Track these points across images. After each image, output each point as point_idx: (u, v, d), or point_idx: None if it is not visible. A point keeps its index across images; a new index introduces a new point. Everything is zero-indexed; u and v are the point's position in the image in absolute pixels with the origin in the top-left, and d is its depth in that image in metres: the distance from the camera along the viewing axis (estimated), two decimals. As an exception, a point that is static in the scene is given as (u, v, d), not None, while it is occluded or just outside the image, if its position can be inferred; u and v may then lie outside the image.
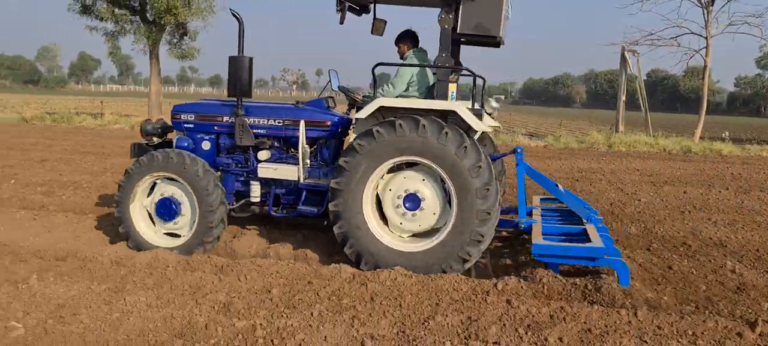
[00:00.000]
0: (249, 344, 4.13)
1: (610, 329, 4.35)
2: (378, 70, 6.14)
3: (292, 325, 4.36)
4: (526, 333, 4.31)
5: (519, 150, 6.40)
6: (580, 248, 5.58)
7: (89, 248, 6.50)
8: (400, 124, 5.59)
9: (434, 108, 5.84)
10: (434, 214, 5.84)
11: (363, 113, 5.93)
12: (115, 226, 6.67)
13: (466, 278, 5.42)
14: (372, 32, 6.70)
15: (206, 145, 6.86)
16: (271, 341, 4.17)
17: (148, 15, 25.03)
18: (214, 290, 5.05)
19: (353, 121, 6.48)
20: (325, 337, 4.21)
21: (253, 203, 6.76)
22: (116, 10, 25.06)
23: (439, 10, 5.94)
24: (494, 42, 6.32)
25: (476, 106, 6.13)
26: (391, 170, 5.93)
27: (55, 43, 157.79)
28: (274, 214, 6.63)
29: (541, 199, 7.82)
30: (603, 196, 10.65)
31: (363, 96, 6.85)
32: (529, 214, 6.78)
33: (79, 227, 7.60)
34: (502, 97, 7.16)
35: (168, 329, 4.33)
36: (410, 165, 5.92)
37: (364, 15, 6.74)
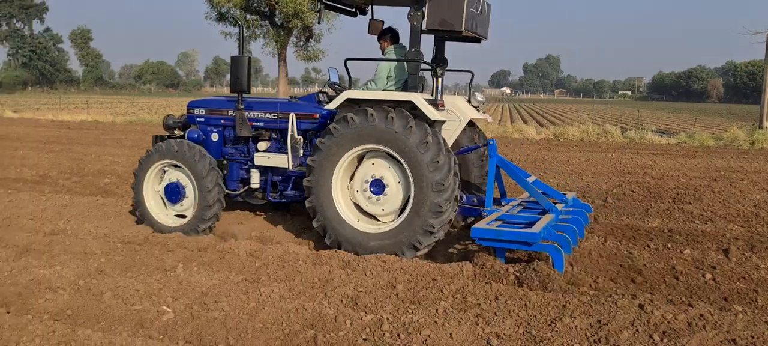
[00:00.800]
0: (376, 338, 4.24)
1: (758, 341, 4.05)
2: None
3: (417, 320, 4.42)
4: (662, 341, 4.11)
5: (492, 142, 6.72)
6: (513, 233, 5.72)
7: (226, 240, 6.92)
8: (372, 114, 6.02)
9: (393, 99, 6.21)
10: (396, 201, 6.24)
11: (332, 105, 6.43)
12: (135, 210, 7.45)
13: (594, 281, 5.25)
14: (369, 32, 7.01)
15: (215, 137, 7.47)
16: (398, 335, 4.26)
17: (276, 19, 26.24)
18: (342, 284, 5.23)
19: None
20: (451, 334, 4.24)
21: (254, 190, 7.32)
22: (248, 16, 26.47)
23: (409, 8, 6.25)
24: (474, 38, 6.72)
25: (466, 96, 7.15)
26: (363, 156, 6.36)
27: (193, 49, 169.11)
28: (271, 199, 7.20)
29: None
30: (745, 197, 9.88)
31: (338, 87, 7.17)
32: (499, 203, 7.06)
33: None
34: (481, 97, 7.47)
35: (300, 319, 4.54)
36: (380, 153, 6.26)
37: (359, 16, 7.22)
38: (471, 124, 7.27)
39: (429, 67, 6.73)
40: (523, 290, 5.01)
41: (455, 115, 6.86)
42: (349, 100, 6.30)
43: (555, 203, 6.73)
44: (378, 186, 6.25)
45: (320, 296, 4.96)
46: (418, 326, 4.34)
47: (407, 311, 4.66)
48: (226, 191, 7.26)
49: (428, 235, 5.98)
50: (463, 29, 6.09)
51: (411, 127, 5.90)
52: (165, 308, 4.68)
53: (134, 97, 70.09)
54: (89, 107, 38.68)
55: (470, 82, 7.46)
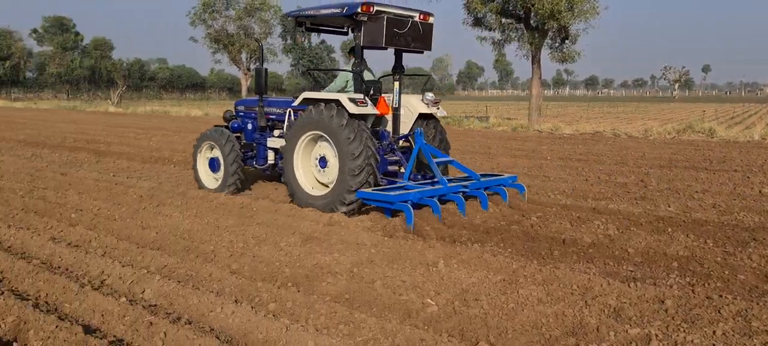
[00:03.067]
0: (643, 354, 4.01)
1: None
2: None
3: (691, 341, 4.08)
4: None
5: (418, 131, 8.66)
6: (378, 195, 7.62)
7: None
8: (311, 109, 8.39)
9: (328, 98, 8.33)
10: (335, 173, 8.20)
11: (295, 102, 8.96)
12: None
13: None
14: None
15: (249, 126, 10.23)
16: (668, 354, 3.98)
17: (531, 22, 25.93)
18: (603, 293, 5.03)
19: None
20: (732, 360, 3.84)
21: (273, 165, 9.83)
22: (503, 20, 26.55)
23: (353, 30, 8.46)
24: (413, 51, 8.83)
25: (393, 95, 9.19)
26: (319, 140, 8.53)
27: (447, 54, 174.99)
28: (279, 171, 9.51)
29: (481, 175, 9.14)
30: None
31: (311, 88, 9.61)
32: (430, 178, 8.78)
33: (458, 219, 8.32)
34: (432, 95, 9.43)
35: (560, 325, 4.47)
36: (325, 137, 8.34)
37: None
38: (427, 116, 9.30)
39: (389, 74, 9.17)
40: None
41: (408, 110, 9.16)
42: (305, 100, 8.70)
43: (467, 179, 8.68)
44: (323, 161, 8.49)
45: (580, 304, 4.83)
46: (692, 347, 4.00)
47: (679, 329, 4.32)
48: (255, 166, 10.06)
49: (343, 205, 7.96)
50: (384, 46, 8.15)
51: (343, 123, 7.91)
52: (429, 300, 4.96)
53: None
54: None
55: (425, 83, 10.46)
